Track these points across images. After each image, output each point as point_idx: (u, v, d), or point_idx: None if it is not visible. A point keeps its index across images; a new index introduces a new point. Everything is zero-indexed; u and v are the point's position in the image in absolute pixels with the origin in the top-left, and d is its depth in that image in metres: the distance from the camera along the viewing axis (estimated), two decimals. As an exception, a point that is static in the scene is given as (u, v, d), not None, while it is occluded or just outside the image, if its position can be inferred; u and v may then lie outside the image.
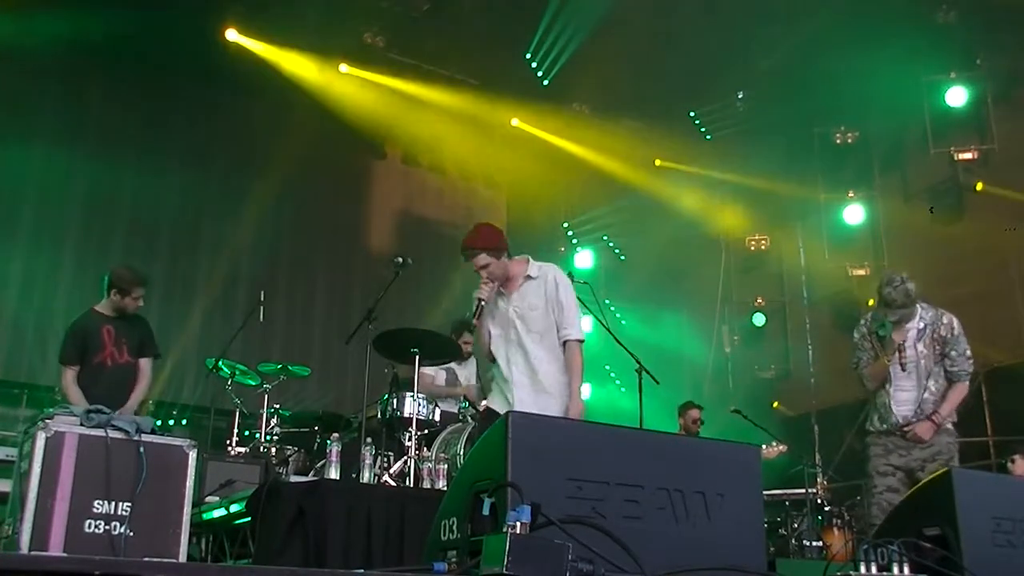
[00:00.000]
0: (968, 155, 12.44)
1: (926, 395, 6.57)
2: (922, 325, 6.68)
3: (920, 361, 6.62)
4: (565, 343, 6.07)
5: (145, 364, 7.74)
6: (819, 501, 10.00)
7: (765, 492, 6.92)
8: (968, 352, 6.61)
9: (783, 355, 14.57)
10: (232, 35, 12.34)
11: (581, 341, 6.12)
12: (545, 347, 6.02)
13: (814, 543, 9.60)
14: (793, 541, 9.71)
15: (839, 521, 9.89)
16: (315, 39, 12.54)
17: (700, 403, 11.23)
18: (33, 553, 3.14)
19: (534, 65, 13.63)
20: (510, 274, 6.17)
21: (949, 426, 6.62)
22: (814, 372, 13.93)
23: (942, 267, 12.16)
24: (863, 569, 3.76)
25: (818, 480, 10.23)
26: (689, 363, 14.94)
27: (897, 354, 6.57)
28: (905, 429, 6.58)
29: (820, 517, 9.96)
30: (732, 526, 3.80)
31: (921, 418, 6.55)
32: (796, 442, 10.79)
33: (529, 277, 6.12)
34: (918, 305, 6.68)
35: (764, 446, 10.10)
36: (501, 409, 5.65)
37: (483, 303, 6.05)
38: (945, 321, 6.67)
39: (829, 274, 13.95)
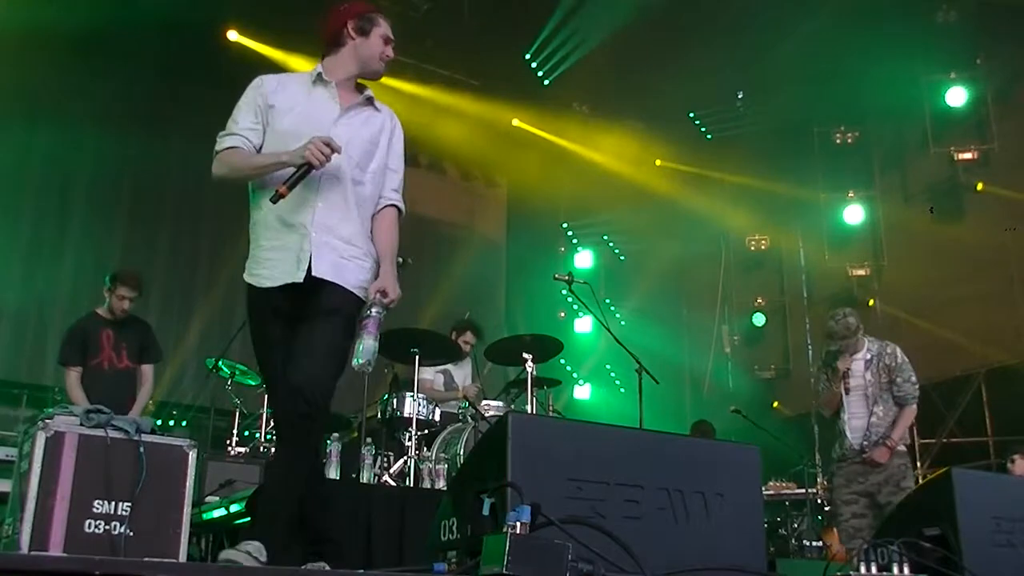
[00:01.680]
0: (968, 155, 12.45)
1: (873, 419, 7.15)
2: (869, 356, 7.30)
3: (868, 389, 7.24)
4: (387, 208, 4.63)
5: (147, 370, 7.70)
6: (819, 501, 9.99)
7: (765, 492, 6.96)
8: (913, 378, 7.20)
9: (783, 355, 14.58)
10: (233, 36, 12.35)
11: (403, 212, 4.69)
12: (369, 194, 4.54)
13: (814, 543, 9.59)
14: (793, 541, 9.70)
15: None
16: (315, 39, 12.50)
17: (700, 402, 11.24)
18: (33, 553, 3.14)
19: (534, 66, 13.65)
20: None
21: (902, 448, 7.21)
22: (814, 372, 13.91)
23: (942, 267, 12.18)
24: (863, 569, 3.77)
25: (818, 480, 10.22)
26: (689, 363, 14.96)
27: (843, 382, 7.28)
28: (864, 457, 7.13)
29: (820, 517, 9.96)
30: (732, 526, 3.80)
31: (872, 442, 7.10)
32: (796, 442, 10.78)
33: (371, 101, 4.69)
34: (865, 338, 7.36)
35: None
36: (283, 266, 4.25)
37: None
38: (889, 351, 7.28)
39: (829, 274, 13.96)
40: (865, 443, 7.14)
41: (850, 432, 7.25)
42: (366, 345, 4.11)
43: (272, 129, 4.44)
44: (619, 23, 12.06)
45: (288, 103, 4.50)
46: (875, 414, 7.16)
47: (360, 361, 4.12)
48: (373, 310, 4.19)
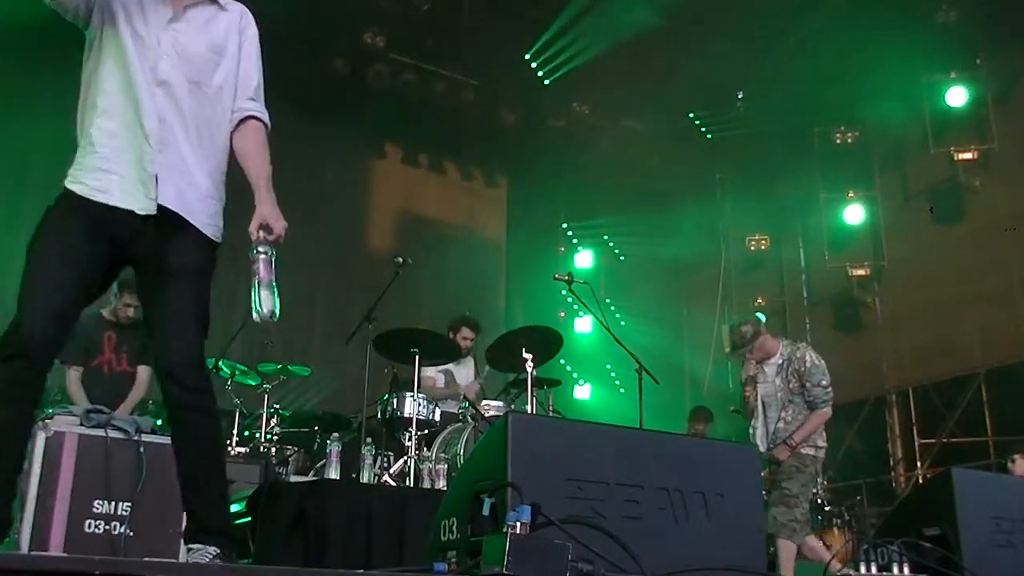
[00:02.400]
0: (968, 155, 12.45)
1: (780, 424, 7.20)
2: (780, 361, 7.36)
3: (778, 394, 7.29)
4: (247, 121, 3.95)
5: (143, 371, 7.60)
6: (819, 501, 9.98)
7: (765, 492, 6.97)
8: (824, 382, 7.15)
9: (783, 355, 14.56)
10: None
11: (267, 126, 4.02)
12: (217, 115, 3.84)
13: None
14: (793, 541, 9.68)
15: (839, 521, 9.87)
16: (315, 38, 12.53)
17: (699, 402, 11.22)
18: (33, 553, 3.14)
19: (534, 66, 13.65)
20: None
21: (807, 451, 7.12)
22: (814, 372, 13.92)
23: (942, 267, 12.18)
24: (863, 569, 3.77)
25: (818, 480, 10.20)
26: (689, 363, 14.95)
27: (752, 389, 7.43)
28: (766, 453, 7.24)
29: (820, 517, 9.94)
30: (732, 526, 3.80)
31: (778, 443, 7.15)
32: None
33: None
34: (780, 343, 7.48)
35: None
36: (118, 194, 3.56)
37: None
38: (799, 355, 7.28)
39: (829, 274, 13.96)
40: (771, 447, 7.23)
41: (759, 439, 7.35)
42: (263, 295, 3.61)
43: (107, 26, 3.67)
44: (625, 31, 12.06)
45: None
46: (783, 419, 7.20)
47: (262, 312, 3.60)
48: (260, 250, 3.66)
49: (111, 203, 3.51)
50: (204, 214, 3.69)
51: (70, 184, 3.57)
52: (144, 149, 3.56)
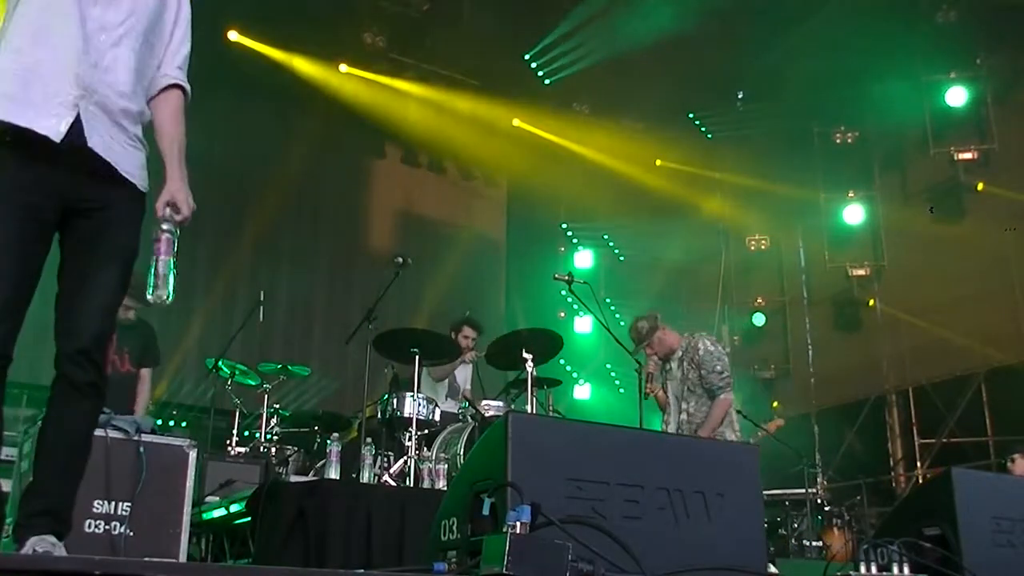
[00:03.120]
0: (968, 155, 12.45)
1: (683, 416, 7.10)
2: (680, 354, 7.27)
3: (680, 387, 7.22)
4: (170, 89, 3.73)
5: (145, 374, 7.59)
6: (819, 501, 10.00)
7: (765, 492, 6.95)
8: (719, 367, 7.03)
9: (783, 355, 14.58)
10: (234, 36, 12.36)
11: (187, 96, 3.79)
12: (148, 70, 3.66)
13: (814, 543, 9.59)
14: (793, 541, 9.71)
15: (839, 521, 9.88)
16: (315, 39, 12.55)
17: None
18: (32, 553, 3.14)
19: (534, 66, 13.66)
20: None
21: None
22: (814, 372, 13.94)
23: (942, 267, 12.18)
24: (863, 569, 3.77)
25: (818, 480, 10.21)
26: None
27: (648, 384, 7.31)
28: None
29: (820, 517, 9.96)
30: (732, 526, 3.80)
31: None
32: (796, 442, 10.77)
33: None
34: (682, 337, 7.34)
35: (763, 422, 10.10)
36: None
37: None
38: (692, 345, 7.18)
39: (829, 274, 13.96)
40: None
41: (665, 430, 7.29)
42: (160, 273, 3.41)
43: None
44: (626, 33, 12.09)
45: None
46: (684, 411, 7.11)
47: (156, 292, 3.40)
48: (164, 228, 3.45)
49: (30, 128, 3.24)
50: (133, 164, 3.49)
51: None
52: (73, 82, 3.32)
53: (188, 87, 3.75)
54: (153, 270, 3.41)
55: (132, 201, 3.48)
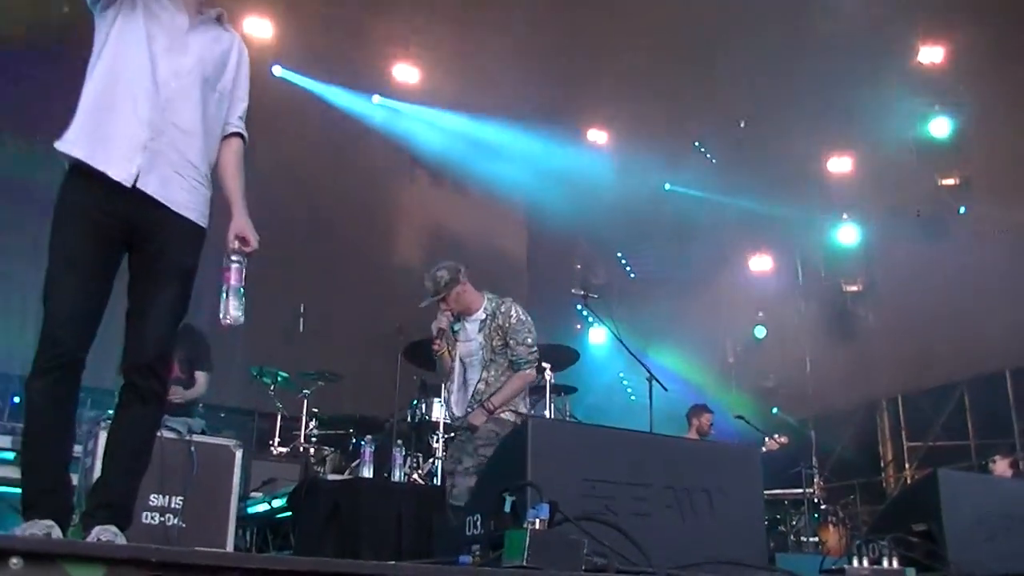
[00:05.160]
0: (951, 180, 12.42)
1: (481, 385, 5.93)
2: (484, 317, 6.06)
3: (480, 352, 6.01)
4: (232, 136, 3.90)
5: (200, 377, 7.55)
6: (816, 500, 9.94)
7: (765, 492, 6.90)
8: (529, 340, 5.95)
9: (782, 365, 14.53)
10: (279, 71, 12.44)
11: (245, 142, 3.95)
12: (215, 115, 3.80)
13: (811, 539, 9.55)
14: (791, 537, 9.66)
15: (834, 518, 9.85)
16: (350, 70, 12.64)
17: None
18: (95, 541, 3.19)
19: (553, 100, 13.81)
20: None
21: (506, 415, 5.89)
22: (810, 380, 13.88)
23: (928, 282, 12.13)
24: (856, 563, 3.76)
25: (815, 481, 10.16)
26: (696, 372, 14.92)
27: (436, 341, 6.04)
28: (461, 419, 6.05)
29: (816, 515, 9.91)
30: (735, 522, 3.80)
31: (476, 407, 5.89)
32: (793, 446, 10.73)
33: (220, 19, 3.88)
34: (484, 296, 6.16)
35: (767, 439, 10.08)
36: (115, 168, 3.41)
37: None
38: (503, 310, 6.02)
39: (825, 290, 13.93)
40: (470, 410, 5.94)
41: (454, 403, 6.17)
42: (232, 301, 3.58)
43: (124, 15, 3.58)
44: (636, 62, 12.16)
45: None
46: (484, 380, 5.92)
47: (230, 315, 3.57)
48: (234, 259, 3.63)
49: (108, 174, 3.38)
50: (193, 200, 3.59)
51: (67, 147, 3.43)
52: (140, 129, 3.46)
53: (246, 135, 3.91)
54: (225, 296, 3.58)
55: (191, 232, 3.58)
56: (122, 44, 3.54)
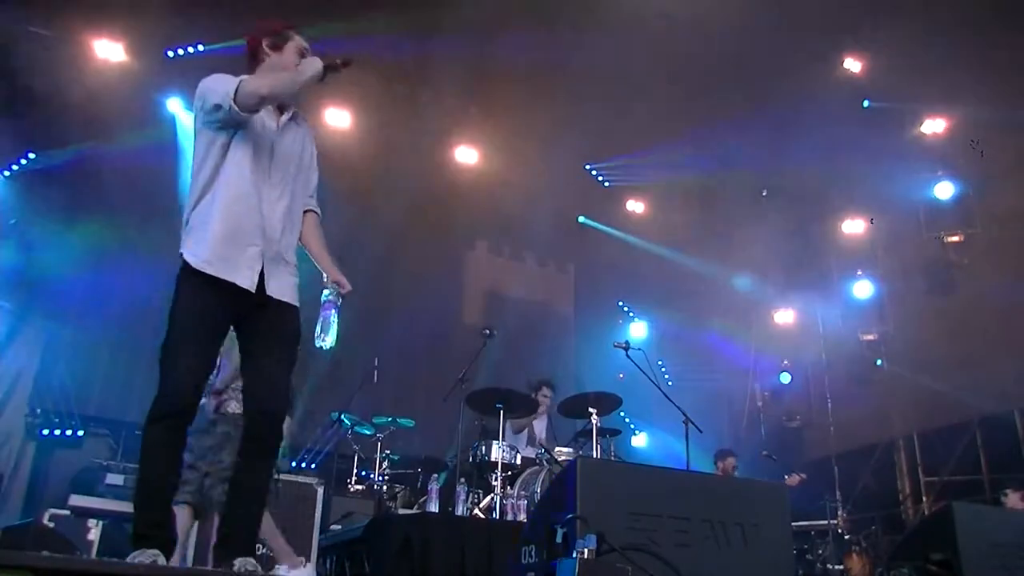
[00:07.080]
0: (956, 238, 12.31)
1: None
2: None
3: None
4: (309, 213, 4.13)
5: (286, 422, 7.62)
6: (839, 531, 9.72)
7: (793, 523, 6.76)
8: None
9: (806, 407, 14.32)
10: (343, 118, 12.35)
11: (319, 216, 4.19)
12: (302, 205, 4.06)
13: (836, 567, 9.32)
14: (818, 565, 9.43)
15: (857, 548, 9.64)
16: (416, 152, 12.78)
17: (737, 449, 11.04)
18: (193, 568, 3.24)
19: (594, 172, 13.89)
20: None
21: (233, 408, 5.51)
22: (832, 421, 13.66)
23: (937, 332, 11.96)
24: (879, 589, 3.66)
25: (839, 513, 9.95)
26: (728, 415, 14.77)
27: None
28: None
29: (841, 545, 9.69)
30: (766, 552, 3.72)
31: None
32: (818, 481, 10.53)
33: (295, 117, 4.02)
34: None
35: (785, 476, 9.95)
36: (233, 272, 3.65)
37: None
38: None
39: (843, 339, 13.74)
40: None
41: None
42: (331, 330, 3.91)
43: (235, 133, 3.77)
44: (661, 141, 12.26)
45: None
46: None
47: (323, 338, 3.90)
48: (330, 293, 3.96)
49: (227, 280, 3.62)
50: (295, 290, 3.86)
51: (190, 257, 3.64)
52: (255, 243, 3.71)
53: (319, 211, 4.15)
54: (321, 323, 3.89)
55: (291, 310, 3.83)
56: (234, 165, 3.72)
